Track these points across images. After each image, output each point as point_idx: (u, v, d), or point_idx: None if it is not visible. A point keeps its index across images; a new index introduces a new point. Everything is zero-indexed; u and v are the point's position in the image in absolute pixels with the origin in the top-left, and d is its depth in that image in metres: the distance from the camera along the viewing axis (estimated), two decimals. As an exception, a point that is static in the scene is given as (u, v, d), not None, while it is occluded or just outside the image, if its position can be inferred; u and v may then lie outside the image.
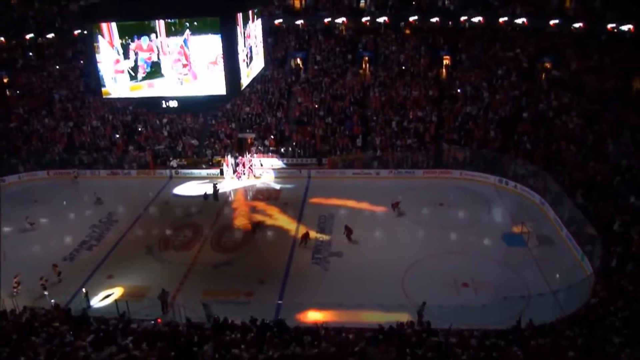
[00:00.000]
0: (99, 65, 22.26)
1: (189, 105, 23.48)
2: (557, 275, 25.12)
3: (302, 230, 29.70)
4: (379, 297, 23.13)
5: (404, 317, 19.81)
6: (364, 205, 33.60)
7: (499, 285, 24.15)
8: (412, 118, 40.49)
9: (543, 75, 41.86)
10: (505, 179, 35.44)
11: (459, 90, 41.93)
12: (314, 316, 22.05)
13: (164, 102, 22.92)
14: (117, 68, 22.17)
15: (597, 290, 21.18)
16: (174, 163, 40.15)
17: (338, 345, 16.71)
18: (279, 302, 23.28)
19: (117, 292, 25.06)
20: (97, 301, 24.38)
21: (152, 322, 19.45)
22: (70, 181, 39.26)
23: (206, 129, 43.34)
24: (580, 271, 24.81)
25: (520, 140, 36.45)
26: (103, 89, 22.86)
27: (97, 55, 22.08)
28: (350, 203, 33.95)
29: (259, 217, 32.58)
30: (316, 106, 42.78)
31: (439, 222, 30.93)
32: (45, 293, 24.37)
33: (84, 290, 24.58)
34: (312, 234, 29.54)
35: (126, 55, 21.85)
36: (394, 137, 39.47)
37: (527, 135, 36.48)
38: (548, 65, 42.59)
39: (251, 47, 25.04)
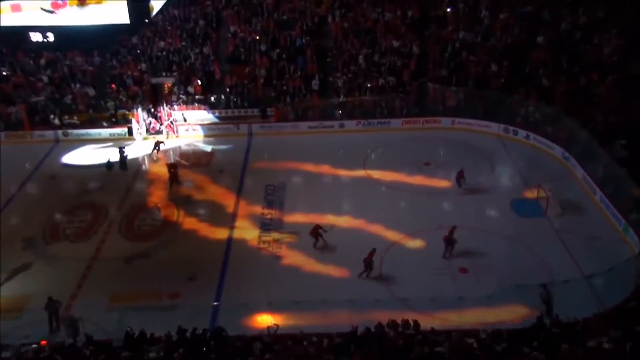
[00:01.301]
0: None
1: (77, 39, 22.20)
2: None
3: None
4: (349, 290, 23.12)
5: (383, 316, 19.63)
6: (325, 169, 33.61)
7: (509, 269, 24.30)
8: (385, 50, 40.12)
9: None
10: (513, 127, 35.62)
11: (448, 10, 41.74)
12: (263, 320, 21.75)
13: (37, 34, 21.51)
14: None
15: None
16: (56, 120, 38.98)
17: (297, 359, 16.74)
18: (216, 303, 23.26)
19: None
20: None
21: (35, 345, 18.69)
22: None
23: (105, 72, 42.09)
24: (624, 248, 25.06)
25: (534, 74, 36.39)
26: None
27: None
28: (307, 167, 33.94)
29: (184, 191, 32.20)
30: (256, 37, 42.14)
31: (425, 188, 31.02)
32: None
33: None
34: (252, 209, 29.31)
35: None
36: (362, 76, 39.15)
37: (544, 66, 36.40)
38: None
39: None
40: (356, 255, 25.33)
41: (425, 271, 24.40)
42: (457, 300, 21.16)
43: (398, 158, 34.15)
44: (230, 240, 27.75)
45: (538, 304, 20.56)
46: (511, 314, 20.97)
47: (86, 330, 20.56)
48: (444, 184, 31.37)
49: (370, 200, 30.33)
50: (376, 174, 32.69)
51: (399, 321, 19.16)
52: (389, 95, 38.28)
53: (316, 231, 26.23)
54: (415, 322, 19.05)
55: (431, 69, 39.05)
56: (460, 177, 30.61)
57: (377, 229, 27.53)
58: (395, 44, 40.34)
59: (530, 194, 29.67)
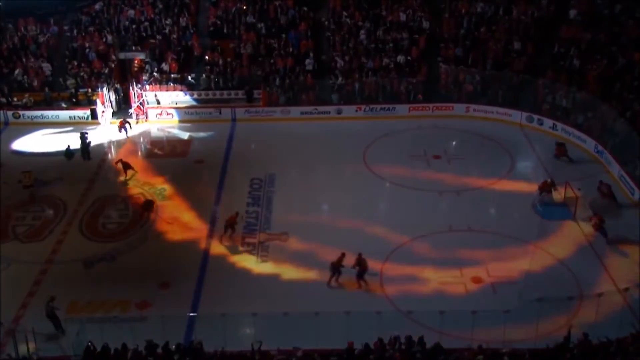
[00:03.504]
0: None
1: (30, 4, 21.81)
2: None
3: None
4: (345, 301, 23.12)
5: (384, 332, 19.72)
6: (320, 162, 33.79)
7: (530, 280, 24.30)
8: (391, 24, 40.19)
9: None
10: (538, 116, 35.71)
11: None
12: (246, 335, 21.83)
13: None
14: None
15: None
16: (4, 100, 38.72)
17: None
18: (192, 314, 23.20)
19: None
20: None
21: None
22: None
23: (64, 44, 41.91)
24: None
25: (564, 54, 36.48)
26: None
27: None
28: (299, 158, 34.16)
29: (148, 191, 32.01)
30: (242, 8, 42.08)
31: (435, 185, 31.10)
32: None
33: None
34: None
35: None
36: (364, 54, 39.18)
37: (576, 44, 36.45)
38: None
39: None
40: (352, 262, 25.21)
41: (434, 280, 24.41)
42: (470, 315, 20.92)
43: (404, 150, 34.15)
44: (209, 242, 27.64)
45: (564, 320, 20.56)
46: (533, 331, 20.85)
47: (39, 345, 20.45)
48: (456, 180, 31.36)
49: (371, 197, 30.40)
50: (378, 168, 32.61)
51: (402, 338, 19.20)
52: (394, 77, 38.30)
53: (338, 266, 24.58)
54: (421, 338, 19.09)
55: (444, 48, 39.09)
56: (546, 188, 29.27)
57: (379, 231, 27.52)
58: (403, 17, 40.37)
59: (557, 193, 29.57)
